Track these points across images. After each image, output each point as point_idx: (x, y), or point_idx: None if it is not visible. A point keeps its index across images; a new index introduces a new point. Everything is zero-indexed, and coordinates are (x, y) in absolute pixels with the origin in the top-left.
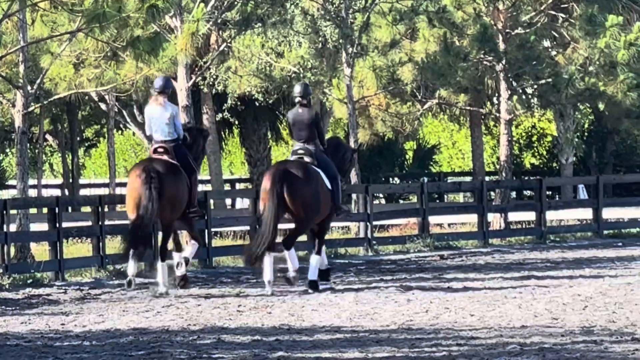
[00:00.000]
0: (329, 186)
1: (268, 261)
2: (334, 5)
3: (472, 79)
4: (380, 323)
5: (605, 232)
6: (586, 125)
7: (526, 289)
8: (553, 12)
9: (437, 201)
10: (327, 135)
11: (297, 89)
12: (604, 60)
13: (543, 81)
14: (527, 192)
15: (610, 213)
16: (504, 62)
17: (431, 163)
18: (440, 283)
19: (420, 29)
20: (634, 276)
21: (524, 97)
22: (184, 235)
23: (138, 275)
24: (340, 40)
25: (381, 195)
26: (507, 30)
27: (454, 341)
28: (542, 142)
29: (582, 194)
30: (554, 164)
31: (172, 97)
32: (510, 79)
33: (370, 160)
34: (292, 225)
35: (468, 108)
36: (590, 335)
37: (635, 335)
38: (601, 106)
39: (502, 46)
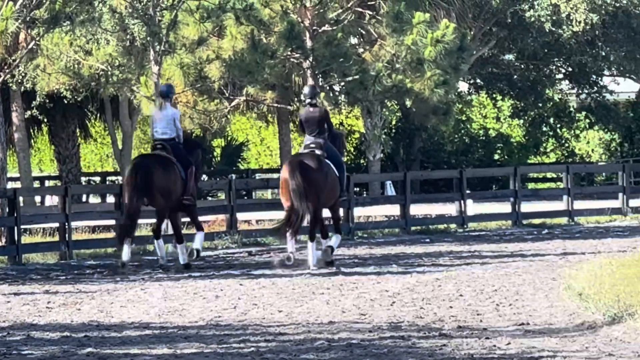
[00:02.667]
0: (337, 173)
1: (291, 239)
2: (142, 4)
3: (280, 76)
4: (188, 319)
5: (413, 228)
6: (393, 122)
7: (334, 285)
8: (360, 9)
9: (245, 198)
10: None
11: (306, 90)
12: (411, 57)
13: (350, 78)
14: None
15: (417, 209)
16: (311, 59)
17: (239, 160)
18: (249, 279)
19: (227, 26)
20: (442, 272)
21: (331, 94)
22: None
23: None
24: (148, 38)
25: None
26: (314, 28)
27: (262, 337)
28: (349, 138)
29: (390, 190)
30: (362, 161)
31: None
32: (318, 76)
33: None
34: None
35: (276, 105)
36: (398, 330)
37: (442, 331)
38: (408, 103)
39: (309, 43)
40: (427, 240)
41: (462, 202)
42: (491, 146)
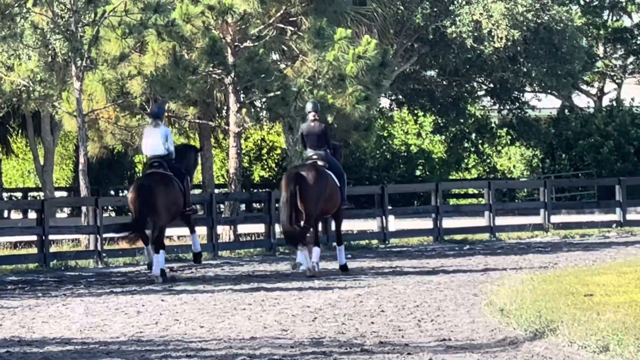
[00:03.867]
0: (337, 183)
1: (302, 249)
2: (64, 19)
3: (202, 92)
4: (110, 335)
5: (334, 244)
6: None
7: (256, 301)
8: (282, 26)
9: None
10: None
11: (309, 106)
12: (333, 73)
13: (272, 94)
14: (257, 205)
15: None
16: (232, 75)
17: None
18: (170, 295)
19: (149, 42)
20: (363, 287)
21: (253, 110)
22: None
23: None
24: (70, 54)
25: (111, 208)
26: (236, 44)
27: (184, 353)
28: (271, 154)
29: None
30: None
31: None
32: (240, 92)
33: (100, 173)
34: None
35: (197, 121)
36: (319, 346)
37: (364, 346)
38: (330, 119)
39: (231, 59)
40: (349, 256)
41: (383, 218)
42: (413, 162)
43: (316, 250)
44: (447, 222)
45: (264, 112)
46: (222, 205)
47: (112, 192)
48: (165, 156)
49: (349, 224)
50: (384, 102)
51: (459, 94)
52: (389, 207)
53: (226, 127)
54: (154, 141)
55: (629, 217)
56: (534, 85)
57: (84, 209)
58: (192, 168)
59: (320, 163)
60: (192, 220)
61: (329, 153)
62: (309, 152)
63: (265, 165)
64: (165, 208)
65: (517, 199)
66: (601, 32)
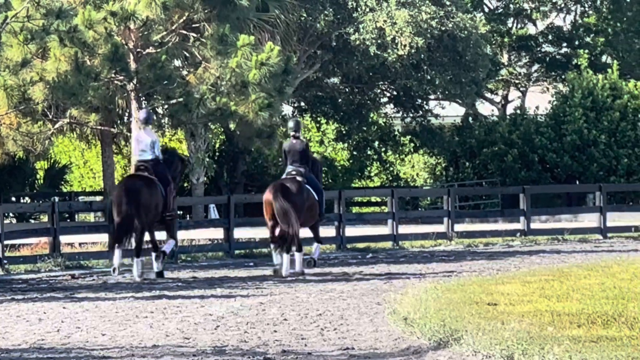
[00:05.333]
0: (316, 198)
1: (280, 254)
2: None
3: (103, 99)
4: (11, 342)
5: (237, 251)
6: (217, 145)
7: (158, 309)
8: (184, 32)
9: (68, 220)
10: None
11: (290, 124)
12: (236, 79)
13: (174, 101)
14: None
15: (241, 233)
16: (135, 81)
17: (62, 182)
18: (72, 302)
19: (51, 48)
20: (266, 296)
21: (154, 116)
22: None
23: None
24: None
25: (12, 215)
26: (139, 50)
27: None
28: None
29: (213, 213)
30: (185, 184)
31: None
32: (142, 99)
33: (1, 180)
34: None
35: (99, 127)
36: (222, 355)
37: (267, 355)
38: (232, 126)
39: (133, 66)
40: (251, 264)
41: None
42: None
43: (299, 255)
44: (350, 231)
45: (166, 118)
46: None
47: (14, 199)
48: (151, 161)
49: (251, 231)
50: (287, 109)
51: (362, 102)
52: None
53: (128, 134)
54: (142, 147)
55: (533, 226)
56: (438, 93)
57: None
58: (177, 176)
59: (299, 178)
60: (172, 226)
61: (307, 170)
62: (289, 168)
63: None
64: (145, 208)
65: (420, 207)
66: (506, 39)
